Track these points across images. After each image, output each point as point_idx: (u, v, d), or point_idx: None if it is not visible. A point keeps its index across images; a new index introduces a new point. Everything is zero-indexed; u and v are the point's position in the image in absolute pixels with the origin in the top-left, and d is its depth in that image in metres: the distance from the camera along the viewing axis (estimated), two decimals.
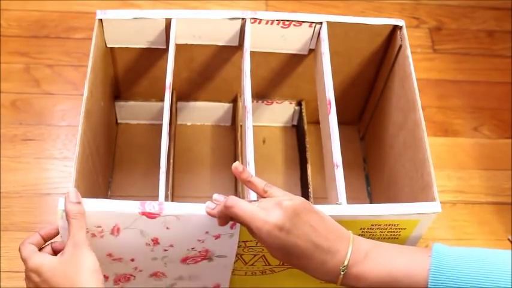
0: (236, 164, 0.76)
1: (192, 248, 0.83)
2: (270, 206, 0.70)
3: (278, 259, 0.72)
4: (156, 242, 0.81)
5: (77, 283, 0.70)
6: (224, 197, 0.75)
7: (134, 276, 0.90)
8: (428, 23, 1.41)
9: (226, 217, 0.73)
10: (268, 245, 0.70)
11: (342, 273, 0.70)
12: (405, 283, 0.70)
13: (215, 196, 0.76)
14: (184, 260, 0.87)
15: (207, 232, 0.80)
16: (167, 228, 0.79)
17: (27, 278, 0.75)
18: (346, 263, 0.70)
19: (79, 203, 0.75)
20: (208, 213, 0.76)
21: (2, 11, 1.33)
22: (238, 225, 0.79)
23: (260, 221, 0.69)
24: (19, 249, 0.77)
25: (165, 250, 0.83)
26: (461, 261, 0.70)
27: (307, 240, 0.70)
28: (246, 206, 0.71)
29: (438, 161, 1.16)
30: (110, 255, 0.83)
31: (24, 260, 0.75)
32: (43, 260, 0.73)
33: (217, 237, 0.81)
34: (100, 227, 0.78)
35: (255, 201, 0.75)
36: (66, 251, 0.73)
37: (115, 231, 0.79)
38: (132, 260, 0.85)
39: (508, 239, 1.13)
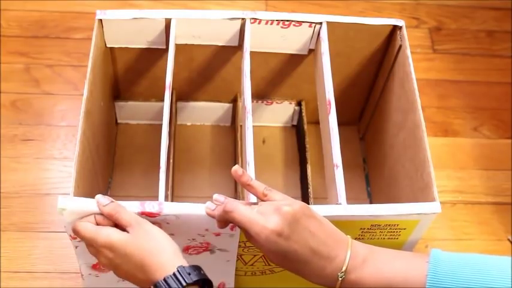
0: (236, 168, 0.75)
1: (193, 239, 0.83)
2: (269, 211, 0.70)
3: (276, 264, 0.72)
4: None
5: (156, 251, 0.69)
6: (225, 197, 0.75)
7: None
8: (428, 23, 1.41)
9: (226, 221, 0.73)
10: (266, 251, 0.70)
11: (340, 279, 0.70)
12: None
13: (215, 196, 0.76)
14: (186, 250, 0.86)
15: (206, 229, 0.80)
16: (167, 223, 0.79)
17: (99, 253, 0.73)
18: (344, 269, 0.70)
19: (111, 201, 0.75)
20: (208, 214, 0.76)
21: (2, 11, 1.33)
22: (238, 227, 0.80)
23: (259, 227, 0.69)
24: (76, 230, 0.74)
25: None
26: (459, 266, 0.70)
27: (305, 246, 0.69)
28: (245, 211, 0.70)
29: (438, 161, 1.15)
30: None
31: (92, 238, 0.72)
32: (113, 236, 0.71)
33: (217, 234, 0.81)
34: None
35: (254, 203, 0.74)
36: (133, 227, 0.72)
37: None
38: None
39: (508, 239, 1.13)
